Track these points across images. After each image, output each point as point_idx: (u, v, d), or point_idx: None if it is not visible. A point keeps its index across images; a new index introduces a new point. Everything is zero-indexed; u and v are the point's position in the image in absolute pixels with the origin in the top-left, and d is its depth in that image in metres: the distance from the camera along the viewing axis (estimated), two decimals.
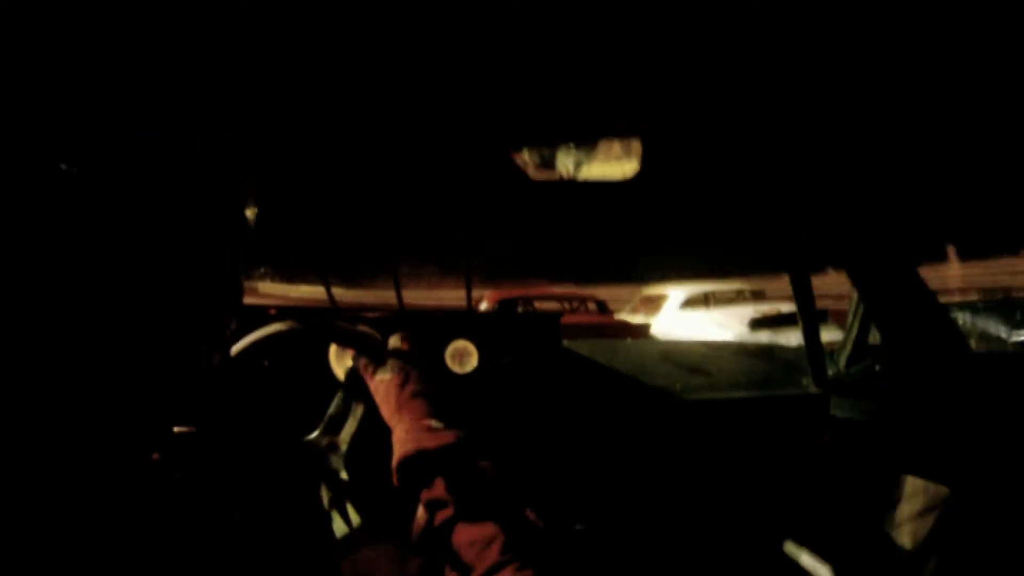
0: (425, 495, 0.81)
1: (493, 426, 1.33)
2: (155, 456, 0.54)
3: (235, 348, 0.92)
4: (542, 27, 0.89)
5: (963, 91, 1.11)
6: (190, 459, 0.61)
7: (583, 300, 9.81)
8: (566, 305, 9.46)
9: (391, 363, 0.91)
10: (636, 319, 9.67)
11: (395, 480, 0.83)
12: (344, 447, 0.92)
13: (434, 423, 0.85)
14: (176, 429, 0.62)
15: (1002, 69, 1.06)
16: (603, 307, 9.66)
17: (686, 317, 9.01)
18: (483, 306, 8.21)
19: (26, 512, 0.44)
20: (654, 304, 9.89)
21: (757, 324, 7.27)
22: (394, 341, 0.94)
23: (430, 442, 0.82)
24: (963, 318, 1.60)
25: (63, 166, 0.49)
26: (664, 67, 1.01)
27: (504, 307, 8.32)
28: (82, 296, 0.48)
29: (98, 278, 0.49)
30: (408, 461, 0.82)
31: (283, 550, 0.68)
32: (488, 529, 0.76)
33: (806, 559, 1.42)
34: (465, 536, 0.77)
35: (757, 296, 9.93)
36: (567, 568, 0.81)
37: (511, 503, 0.80)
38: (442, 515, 0.79)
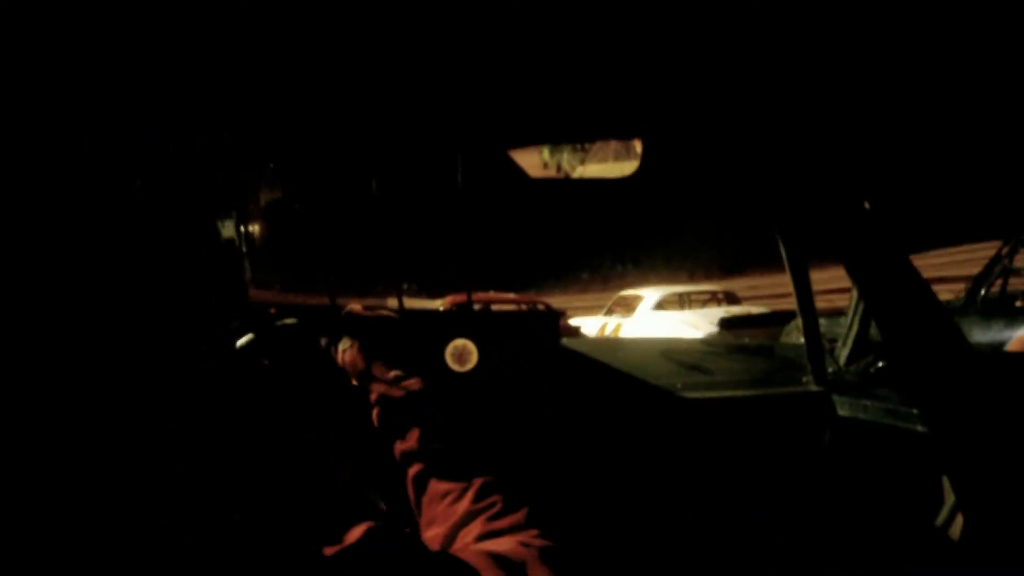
0: (400, 447, 0.85)
1: (492, 422, 1.32)
2: (155, 455, 0.53)
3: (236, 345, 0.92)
4: (542, 27, 0.88)
5: (961, 89, 1.12)
6: (189, 456, 0.60)
7: (534, 303, 10.14)
8: (522, 307, 9.76)
9: (348, 332, 0.98)
10: (611, 320, 9.84)
11: (376, 430, 0.89)
12: (339, 438, 0.94)
13: (397, 373, 0.92)
14: (175, 427, 0.61)
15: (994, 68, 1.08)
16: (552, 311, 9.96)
17: (658, 318, 9.20)
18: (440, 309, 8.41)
19: (25, 510, 0.43)
20: (629, 305, 10.06)
21: (726, 324, 7.39)
22: (349, 309, 1.01)
23: (397, 391, 0.89)
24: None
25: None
26: (660, 65, 1.01)
27: (459, 310, 8.39)
28: (83, 296, 0.47)
29: (98, 278, 0.48)
30: (381, 412, 0.89)
31: (283, 548, 0.68)
32: (460, 483, 0.78)
33: None
34: (438, 489, 0.80)
35: (730, 298, 10.19)
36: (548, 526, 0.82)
37: (484, 462, 0.82)
38: (416, 468, 0.83)
